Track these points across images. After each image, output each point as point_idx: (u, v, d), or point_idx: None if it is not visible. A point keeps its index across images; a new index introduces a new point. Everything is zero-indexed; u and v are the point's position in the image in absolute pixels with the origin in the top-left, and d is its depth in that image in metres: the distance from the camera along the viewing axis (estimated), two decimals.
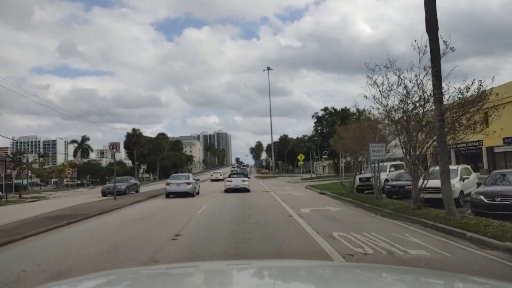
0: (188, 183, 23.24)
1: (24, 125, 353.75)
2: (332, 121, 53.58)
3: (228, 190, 25.89)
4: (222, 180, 36.48)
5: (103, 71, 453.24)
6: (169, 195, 22.95)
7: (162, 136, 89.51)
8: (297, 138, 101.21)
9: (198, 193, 24.82)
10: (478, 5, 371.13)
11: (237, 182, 26.83)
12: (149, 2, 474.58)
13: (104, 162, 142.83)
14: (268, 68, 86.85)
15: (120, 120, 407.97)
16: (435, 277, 2.15)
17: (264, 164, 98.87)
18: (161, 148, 75.37)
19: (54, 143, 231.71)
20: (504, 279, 2.44)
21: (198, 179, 28.95)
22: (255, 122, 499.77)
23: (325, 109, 55.83)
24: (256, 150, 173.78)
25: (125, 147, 68.07)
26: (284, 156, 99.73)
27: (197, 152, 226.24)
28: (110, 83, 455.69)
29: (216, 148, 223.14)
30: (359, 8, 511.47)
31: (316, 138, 52.81)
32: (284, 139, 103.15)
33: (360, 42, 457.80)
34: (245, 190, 25.82)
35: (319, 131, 54.73)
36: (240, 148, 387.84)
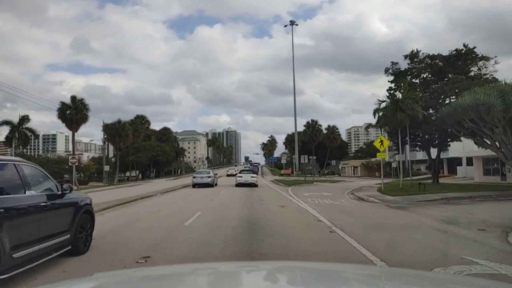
0: (209, 177, 31.10)
1: (38, 121, 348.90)
2: (441, 70, 26.50)
3: (239, 185, 29.98)
4: (234, 175, 39.66)
5: (116, 68, 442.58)
6: (194, 185, 30.33)
7: (140, 119, 62.82)
8: (329, 126, 74.26)
9: (216, 184, 32.66)
10: (499, 4, 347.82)
11: (246, 178, 30.95)
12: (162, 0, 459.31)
13: (86, 156, 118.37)
14: (292, 23, 60.44)
15: (131, 118, 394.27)
16: (434, 278, 2.28)
17: (284, 161, 70.85)
18: (121, 133, 48.53)
19: (54, 137, 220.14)
20: None
21: (216, 174, 37.94)
22: (266, 121, 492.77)
23: (414, 54, 28.66)
24: (268, 147, 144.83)
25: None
26: (311, 150, 73.03)
27: (201, 148, 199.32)
28: (123, 80, 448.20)
29: (220, 144, 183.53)
30: (374, 6, 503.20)
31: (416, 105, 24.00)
32: (312, 126, 74.22)
33: (375, 41, 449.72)
34: (253, 185, 30.10)
35: (399, 95, 26.95)
36: (250, 147, 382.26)
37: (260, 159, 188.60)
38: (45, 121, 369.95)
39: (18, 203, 4.96)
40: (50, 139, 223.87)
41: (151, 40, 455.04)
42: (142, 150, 60.63)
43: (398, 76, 29.31)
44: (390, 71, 29.73)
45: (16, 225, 4.81)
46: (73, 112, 37.57)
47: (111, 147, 69.39)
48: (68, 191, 6.19)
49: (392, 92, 28.87)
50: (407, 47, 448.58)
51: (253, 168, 60.81)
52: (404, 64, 29.70)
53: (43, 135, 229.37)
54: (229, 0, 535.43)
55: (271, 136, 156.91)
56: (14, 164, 5.27)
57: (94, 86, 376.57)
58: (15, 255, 4.64)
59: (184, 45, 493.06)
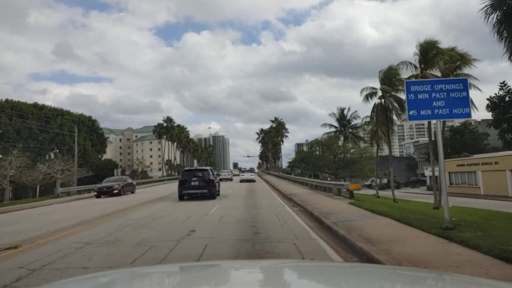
0: (229, 174, 55.75)
1: None
2: None
3: (242, 181, 44.43)
4: (238, 175, 60.70)
5: (102, 76, 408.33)
6: (221, 179, 40.02)
7: None
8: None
9: (232, 179, 52.47)
10: None
11: (247, 176, 46.55)
12: (148, 7, 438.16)
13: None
14: None
15: (119, 127, 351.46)
16: (433, 277, 2.13)
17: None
18: None
19: None
20: None
21: (234, 174, 68.83)
22: (256, 129, 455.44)
23: None
24: (271, 137, 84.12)
25: None
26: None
27: (171, 149, 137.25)
28: (110, 89, 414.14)
29: (183, 137, 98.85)
30: (364, 11, 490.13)
31: None
32: None
33: (366, 46, 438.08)
34: (252, 180, 44.83)
35: None
36: (239, 155, 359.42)
37: (252, 163, 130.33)
38: None
39: (214, 178, 23.30)
40: None
41: (137, 47, 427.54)
42: None
43: None
44: None
45: (217, 184, 24.17)
46: None
47: None
48: (216, 177, 25.24)
49: None
50: (399, 51, 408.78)
51: (251, 170, 71.34)
52: None
53: None
54: (217, 7, 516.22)
55: (276, 118, 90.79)
56: (210, 168, 24.75)
57: (79, 95, 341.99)
58: (217, 189, 23.72)
59: (171, 52, 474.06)
